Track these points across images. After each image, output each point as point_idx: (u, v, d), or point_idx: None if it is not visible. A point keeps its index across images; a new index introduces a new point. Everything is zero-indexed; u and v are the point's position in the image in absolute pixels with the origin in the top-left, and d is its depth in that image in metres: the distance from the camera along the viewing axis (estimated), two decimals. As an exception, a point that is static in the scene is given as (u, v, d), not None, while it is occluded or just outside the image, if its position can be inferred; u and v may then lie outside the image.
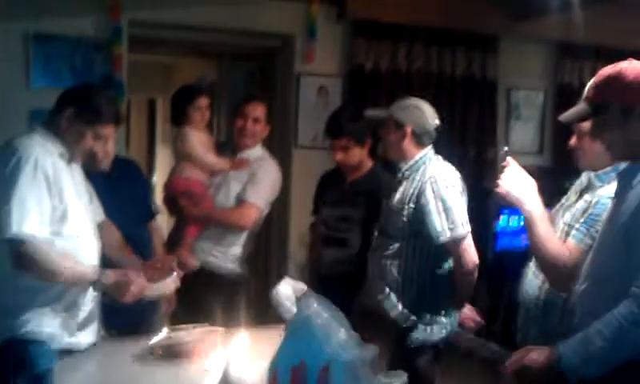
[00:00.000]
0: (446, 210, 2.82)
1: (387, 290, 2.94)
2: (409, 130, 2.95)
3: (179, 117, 3.62)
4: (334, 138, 3.42)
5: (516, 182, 2.31)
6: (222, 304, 3.19)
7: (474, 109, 4.94)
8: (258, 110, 3.58)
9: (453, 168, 2.98)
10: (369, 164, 3.50)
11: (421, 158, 2.96)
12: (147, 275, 2.47)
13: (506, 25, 4.90)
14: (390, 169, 3.17)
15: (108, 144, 2.76)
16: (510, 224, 4.48)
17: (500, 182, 2.33)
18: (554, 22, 4.72)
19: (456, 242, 2.83)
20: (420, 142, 2.97)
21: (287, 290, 2.60)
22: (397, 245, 2.93)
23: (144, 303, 2.64)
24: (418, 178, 2.91)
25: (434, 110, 3.03)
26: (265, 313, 4.22)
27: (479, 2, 4.72)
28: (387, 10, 4.63)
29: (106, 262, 2.62)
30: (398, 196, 2.96)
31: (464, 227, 2.84)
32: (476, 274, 2.90)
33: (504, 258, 4.37)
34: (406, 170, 2.98)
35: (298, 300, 2.34)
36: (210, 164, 3.55)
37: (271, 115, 3.68)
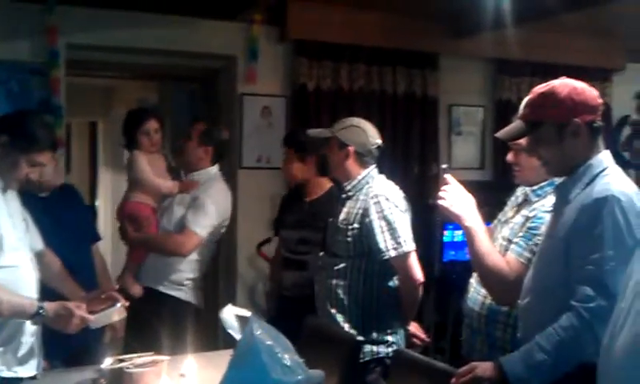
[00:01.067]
0: (390, 228, 2.84)
1: (333, 310, 2.95)
2: (351, 149, 2.98)
3: (130, 141, 3.58)
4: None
5: (455, 198, 2.36)
6: (168, 330, 3.14)
7: (417, 126, 5.00)
8: (195, 130, 3.55)
9: (396, 187, 3.02)
10: (326, 185, 3.52)
11: (364, 178, 2.99)
12: (90, 306, 2.42)
13: (444, 43, 4.99)
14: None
15: (48, 169, 2.73)
16: (455, 238, 4.54)
17: (440, 198, 2.37)
18: (491, 40, 4.84)
19: (401, 259, 2.86)
20: (363, 162, 3.00)
21: (230, 317, 2.57)
22: (342, 264, 2.95)
23: (88, 331, 2.58)
24: (361, 197, 2.94)
25: (376, 129, 3.07)
26: (214, 337, 4.21)
27: (418, 21, 4.80)
28: (328, 30, 4.68)
29: (47, 291, 2.55)
30: (342, 215, 2.98)
31: (408, 245, 2.87)
32: (421, 291, 2.93)
33: (450, 273, 4.42)
34: (350, 190, 3.00)
35: (243, 326, 2.32)
36: (156, 187, 3.49)
37: (207, 136, 3.57)
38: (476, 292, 2.48)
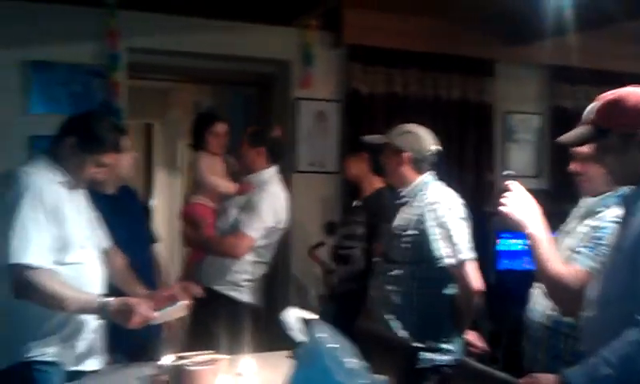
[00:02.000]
0: (447, 235, 2.81)
1: (389, 316, 2.93)
2: (406, 155, 2.96)
3: (197, 142, 3.62)
4: None
5: (519, 205, 2.32)
6: (224, 329, 3.18)
7: (471, 133, 4.98)
8: (250, 133, 3.60)
9: (454, 193, 2.99)
10: (377, 184, 3.54)
11: (420, 183, 2.96)
12: (153, 304, 2.46)
13: (500, 49, 4.95)
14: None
15: (124, 168, 2.80)
16: (510, 247, 4.49)
17: (503, 204, 2.34)
18: (548, 47, 4.77)
19: (459, 266, 2.82)
20: (418, 168, 2.98)
21: (292, 319, 2.59)
22: (398, 270, 2.93)
23: (149, 328, 2.63)
24: (416, 203, 2.91)
25: (432, 136, 3.05)
26: (271, 337, 4.23)
27: (473, 28, 4.77)
28: (383, 35, 4.69)
29: (112, 288, 2.61)
30: (398, 221, 2.97)
31: (467, 252, 2.84)
32: (479, 299, 2.89)
33: (505, 282, 4.37)
34: (405, 196, 2.99)
35: (306, 328, 2.33)
36: (214, 186, 3.54)
37: (257, 137, 3.60)
38: (538, 303, 2.44)
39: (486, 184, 4.94)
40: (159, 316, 2.47)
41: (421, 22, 4.72)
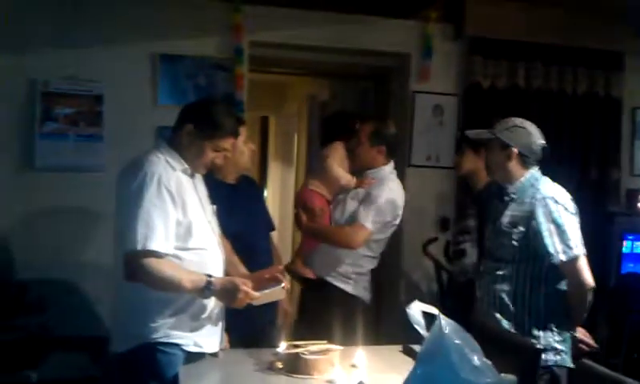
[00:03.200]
0: (560, 231, 2.76)
1: (498, 315, 2.88)
2: (515, 150, 2.90)
3: (330, 139, 3.68)
4: None
5: None
6: (334, 320, 3.20)
7: (597, 129, 4.76)
8: (365, 132, 3.56)
9: (562, 189, 2.91)
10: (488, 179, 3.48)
11: (528, 179, 2.91)
12: (255, 284, 2.52)
13: (630, 42, 4.71)
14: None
15: (244, 157, 2.88)
16: (635, 249, 4.27)
17: None
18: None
19: (571, 263, 2.76)
20: (526, 163, 2.92)
21: (417, 312, 2.58)
22: (506, 269, 2.88)
23: (265, 313, 2.70)
24: (527, 199, 2.85)
25: (540, 131, 2.98)
26: (380, 332, 4.23)
27: (601, 19, 4.56)
28: (505, 27, 4.57)
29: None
30: (506, 219, 2.91)
31: (578, 248, 2.78)
32: (591, 297, 2.81)
33: (628, 286, 4.17)
34: (513, 192, 2.92)
35: (430, 323, 2.31)
36: (336, 176, 3.54)
37: (377, 136, 3.57)
38: None
39: (611, 183, 4.71)
40: (259, 295, 2.51)
41: (545, 12, 4.56)
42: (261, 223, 3.25)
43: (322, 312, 3.36)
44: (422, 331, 2.48)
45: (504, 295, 2.87)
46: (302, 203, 3.59)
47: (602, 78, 4.75)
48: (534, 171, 2.92)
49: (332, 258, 3.51)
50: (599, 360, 3.74)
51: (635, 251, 4.28)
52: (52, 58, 3.99)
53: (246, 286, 2.45)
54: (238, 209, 2.98)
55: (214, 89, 4.25)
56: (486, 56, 4.62)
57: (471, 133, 3.17)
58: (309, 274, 3.50)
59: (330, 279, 3.51)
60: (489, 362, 1.80)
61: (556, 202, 2.80)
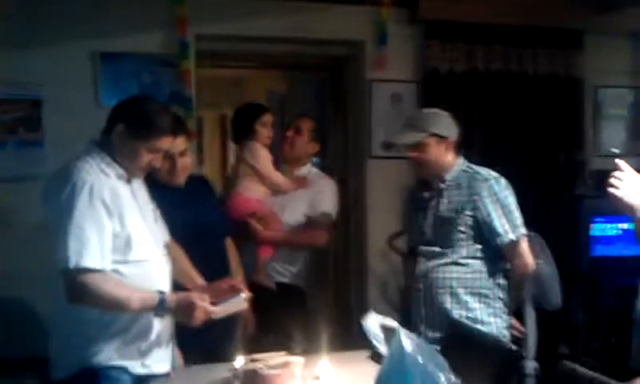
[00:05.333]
0: (507, 211, 2.79)
1: (449, 305, 2.85)
2: (451, 141, 2.92)
3: (245, 133, 3.61)
4: None
5: (630, 187, 2.07)
6: (297, 324, 3.10)
7: (560, 110, 4.63)
8: (306, 125, 3.63)
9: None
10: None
11: (460, 165, 2.93)
12: (212, 296, 2.33)
13: (589, 18, 4.59)
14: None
15: (184, 158, 2.69)
16: (606, 231, 4.15)
17: (611, 186, 2.09)
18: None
19: (518, 243, 2.80)
20: (458, 150, 2.95)
21: (374, 326, 2.41)
22: (452, 256, 2.85)
23: (221, 325, 2.51)
24: (464, 183, 2.87)
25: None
26: (345, 332, 4.09)
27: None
28: (462, 9, 4.40)
29: (173, 283, 2.50)
30: (444, 206, 2.89)
31: (522, 229, 2.81)
32: (529, 277, 2.88)
33: (600, 270, 4.06)
34: (451, 180, 2.90)
35: (389, 338, 2.15)
36: (277, 183, 3.55)
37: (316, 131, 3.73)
38: None
39: (576, 165, 4.60)
40: (219, 310, 2.33)
41: (505, -10, 4.42)
42: (214, 227, 3.05)
43: (284, 318, 3.26)
44: (380, 347, 2.33)
45: (454, 283, 2.84)
46: (245, 212, 3.46)
47: (563, 57, 4.62)
48: (461, 159, 2.95)
49: (288, 260, 3.54)
50: (578, 345, 3.66)
51: (605, 234, 4.16)
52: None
53: (203, 301, 2.25)
54: (187, 212, 2.78)
55: (160, 86, 4.02)
56: (443, 40, 4.47)
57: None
58: (270, 284, 3.46)
59: (287, 280, 3.52)
60: (456, 380, 1.63)
61: (498, 182, 2.82)
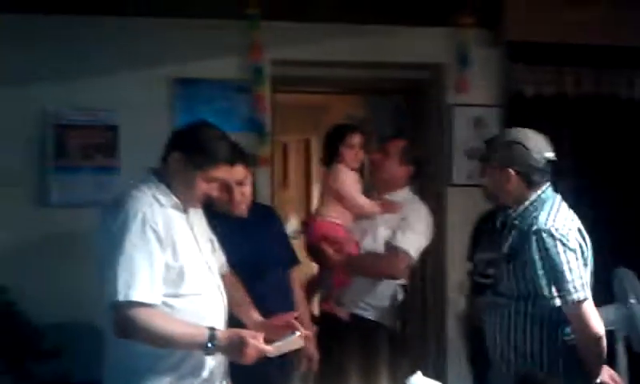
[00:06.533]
0: (555, 271, 2.36)
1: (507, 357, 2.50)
2: (511, 172, 2.49)
3: (331, 156, 3.47)
4: None
5: None
6: (371, 360, 2.93)
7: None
8: (395, 148, 3.39)
9: (572, 216, 2.49)
10: None
11: (531, 203, 2.50)
12: (268, 333, 2.22)
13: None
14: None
15: (244, 188, 2.62)
16: None
17: None
18: None
19: (571, 309, 2.37)
20: (530, 184, 2.50)
21: None
22: (508, 305, 2.50)
23: (277, 362, 2.40)
24: (525, 228, 2.45)
25: (546, 141, 2.55)
26: (423, 366, 3.90)
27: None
28: (549, 29, 4.17)
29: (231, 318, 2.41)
30: (505, 249, 2.53)
31: (579, 292, 2.36)
32: (602, 346, 2.39)
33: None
34: (514, 218, 2.53)
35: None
36: (360, 206, 3.34)
37: (408, 154, 3.44)
38: None
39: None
40: (273, 349, 2.21)
41: (594, 10, 4.15)
42: (277, 259, 2.95)
43: (358, 352, 3.10)
44: None
45: (511, 336, 2.49)
46: (320, 236, 3.31)
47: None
48: (542, 192, 2.51)
49: (369, 292, 3.29)
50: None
51: None
52: (63, 86, 3.81)
53: (255, 339, 2.14)
54: (249, 243, 2.70)
55: (235, 112, 4.00)
56: (529, 62, 4.26)
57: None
58: (344, 315, 3.24)
59: (366, 315, 3.27)
60: None
61: (552, 235, 2.38)
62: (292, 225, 3.81)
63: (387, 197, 3.38)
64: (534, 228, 2.41)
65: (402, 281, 3.32)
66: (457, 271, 4.14)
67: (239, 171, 2.66)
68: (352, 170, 3.46)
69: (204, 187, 2.27)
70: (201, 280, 2.26)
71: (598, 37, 4.22)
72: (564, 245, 2.38)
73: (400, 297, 3.35)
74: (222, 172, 2.29)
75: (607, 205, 3.99)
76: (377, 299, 3.27)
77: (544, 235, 2.38)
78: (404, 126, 4.75)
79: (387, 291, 3.29)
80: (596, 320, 2.38)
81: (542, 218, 2.43)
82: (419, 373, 2.24)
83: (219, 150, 2.27)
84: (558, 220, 2.43)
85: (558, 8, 4.14)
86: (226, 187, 2.56)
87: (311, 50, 4.12)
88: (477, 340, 3.02)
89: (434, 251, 4.07)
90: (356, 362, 3.04)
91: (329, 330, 3.24)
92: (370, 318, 3.27)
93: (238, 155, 2.49)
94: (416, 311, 4.41)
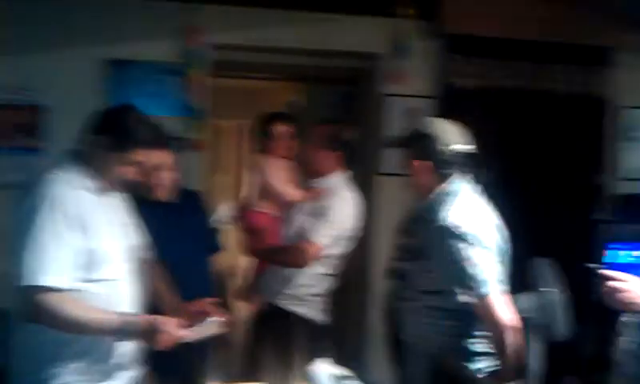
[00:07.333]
0: (458, 267, 2.35)
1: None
2: (424, 163, 2.49)
3: (261, 144, 3.44)
4: None
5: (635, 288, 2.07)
6: (288, 349, 2.92)
7: (582, 130, 4.42)
8: (321, 134, 3.30)
9: (484, 210, 2.49)
10: None
11: (439, 196, 2.48)
12: (184, 319, 2.22)
13: (620, 36, 4.35)
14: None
15: (166, 173, 2.60)
16: (619, 259, 3.90)
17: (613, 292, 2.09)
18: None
19: (476, 302, 2.36)
20: (439, 175, 2.49)
21: (323, 376, 2.25)
22: (419, 298, 2.52)
23: (194, 350, 2.41)
24: (431, 221, 2.43)
25: (461, 131, 2.54)
26: (342, 356, 3.93)
27: (590, 13, 4.22)
28: (488, 23, 4.23)
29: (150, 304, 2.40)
30: (415, 242, 2.55)
31: (482, 286, 2.34)
32: (510, 337, 2.37)
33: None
34: (422, 210, 2.53)
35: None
36: (280, 194, 3.31)
37: (334, 140, 3.31)
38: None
39: (594, 188, 4.39)
40: (191, 334, 2.22)
41: (531, 6, 4.21)
42: (198, 244, 2.95)
43: (275, 342, 3.07)
44: None
45: (427, 328, 2.52)
46: (246, 225, 3.32)
47: (586, 75, 4.40)
48: (450, 184, 2.49)
49: (284, 281, 3.21)
50: (589, 377, 3.41)
51: (618, 261, 3.90)
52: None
53: (170, 325, 2.13)
54: (170, 229, 2.68)
55: (169, 96, 3.96)
56: (467, 55, 4.31)
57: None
58: (253, 303, 3.23)
59: (283, 303, 3.21)
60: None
61: (452, 232, 2.37)
62: (223, 211, 3.78)
63: (316, 184, 3.31)
64: (436, 224, 2.40)
65: (324, 270, 3.25)
66: (382, 260, 4.16)
67: (160, 155, 2.63)
68: (283, 157, 3.45)
69: (123, 170, 2.25)
70: (116, 265, 2.24)
71: (535, 32, 4.30)
72: (465, 241, 2.35)
73: (324, 286, 3.29)
74: (142, 155, 2.26)
75: (533, 198, 4.08)
76: (294, 288, 3.20)
77: (445, 232, 2.37)
78: (344, 115, 4.77)
79: (305, 280, 3.21)
80: (504, 313, 2.35)
81: (445, 213, 2.42)
82: (320, 360, 2.27)
83: (139, 134, 2.25)
84: (463, 215, 2.40)
85: (496, 2, 4.20)
86: (147, 171, 2.54)
87: (251, 36, 4.10)
88: (393, 327, 3.05)
89: (361, 240, 4.11)
90: (273, 351, 2.98)
91: (253, 318, 3.25)
92: (287, 307, 3.20)
93: (159, 139, 2.47)
94: (342, 300, 4.45)
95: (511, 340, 2.39)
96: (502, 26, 4.26)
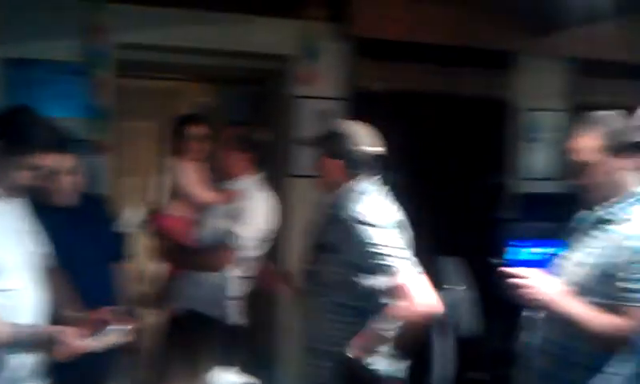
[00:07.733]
0: (370, 254, 2.39)
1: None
2: (337, 161, 2.57)
3: (175, 147, 3.41)
4: None
5: (540, 285, 2.21)
6: (207, 353, 2.88)
7: (485, 132, 4.58)
8: (231, 136, 3.27)
9: (392, 209, 2.56)
10: None
11: (347, 193, 2.55)
12: (86, 328, 2.16)
13: (522, 40, 4.53)
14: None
15: (66, 176, 2.51)
16: (520, 255, 4.06)
17: (521, 289, 2.20)
18: (576, 37, 4.34)
19: (392, 288, 2.38)
20: (349, 174, 2.57)
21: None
22: (327, 294, 2.54)
23: (97, 356, 2.34)
24: (338, 216, 2.51)
25: (372, 134, 2.63)
26: (258, 357, 3.93)
27: (493, 17, 4.37)
28: (395, 27, 4.31)
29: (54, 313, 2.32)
30: (326, 239, 2.58)
31: (401, 266, 2.38)
32: (425, 320, 2.44)
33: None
34: (331, 207, 2.59)
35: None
36: (193, 197, 3.27)
37: (244, 141, 3.30)
38: (545, 330, 2.28)
39: (497, 187, 4.58)
40: (92, 344, 2.17)
41: (437, 11, 4.33)
42: (102, 251, 2.87)
43: (191, 348, 3.02)
44: None
45: (332, 326, 2.52)
46: (157, 229, 3.26)
47: (489, 78, 4.59)
48: (359, 183, 2.56)
49: (200, 284, 3.16)
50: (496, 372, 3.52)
51: (518, 258, 4.06)
52: None
53: (69, 335, 2.06)
54: (71, 237, 2.59)
55: (73, 96, 3.84)
56: (375, 57, 4.38)
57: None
58: (165, 309, 3.15)
59: (200, 308, 3.17)
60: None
61: (360, 220, 2.43)
62: (131, 215, 3.69)
63: (229, 186, 3.28)
64: (343, 216, 2.46)
65: (240, 272, 3.21)
66: (295, 261, 4.18)
67: (59, 159, 2.53)
68: (196, 160, 3.41)
69: (20, 175, 2.16)
70: (15, 274, 2.16)
71: (441, 36, 4.40)
72: (373, 226, 2.40)
73: (240, 288, 3.26)
74: (40, 159, 2.18)
75: (438, 198, 4.19)
76: (209, 292, 3.15)
77: (354, 221, 2.42)
78: (254, 116, 4.75)
79: (220, 283, 3.17)
80: (419, 293, 2.35)
81: (353, 206, 2.47)
82: (219, 368, 2.24)
83: (35, 136, 2.17)
84: (371, 209, 2.46)
85: (406, 7, 4.28)
86: (45, 176, 2.45)
87: (158, 36, 4.02)
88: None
89: (274, 241, 4.11)
90: (186, 357, 2.95)
91: (166, 324, 3.18)
92: (202, 311, 3.18)
93: (57, 141, 2.38)
94: (257, 302, 4.44)
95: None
96: (410, 30, 4.35)
